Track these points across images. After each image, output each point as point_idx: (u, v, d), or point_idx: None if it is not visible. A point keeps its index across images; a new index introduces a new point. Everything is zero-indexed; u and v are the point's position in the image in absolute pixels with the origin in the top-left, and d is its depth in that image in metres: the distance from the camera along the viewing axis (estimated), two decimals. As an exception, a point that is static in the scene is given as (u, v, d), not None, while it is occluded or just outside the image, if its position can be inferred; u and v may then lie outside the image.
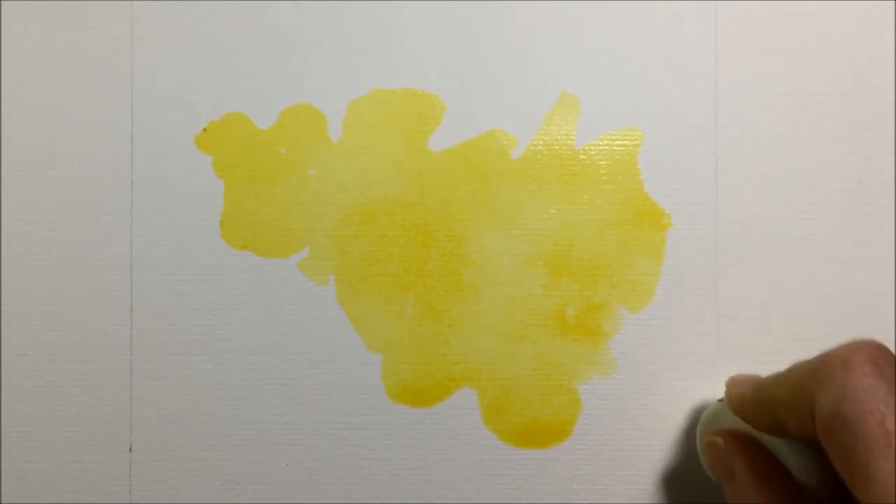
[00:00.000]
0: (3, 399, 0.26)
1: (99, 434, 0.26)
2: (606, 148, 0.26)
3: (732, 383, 0.23)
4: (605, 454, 0.26)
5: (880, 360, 0.18)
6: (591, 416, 0.26)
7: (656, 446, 0.26)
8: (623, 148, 0.26)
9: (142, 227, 0.26)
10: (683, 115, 0.26)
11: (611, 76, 0.26)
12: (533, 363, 0.26)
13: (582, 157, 0.26)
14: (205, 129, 0.26)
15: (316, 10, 0.26)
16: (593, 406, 0.26)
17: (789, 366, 0.20)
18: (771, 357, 0.26)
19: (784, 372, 0.21)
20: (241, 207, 0.26)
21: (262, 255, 0.26)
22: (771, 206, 0.26)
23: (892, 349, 0.19)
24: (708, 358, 0.26)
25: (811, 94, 0.26)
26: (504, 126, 0.26)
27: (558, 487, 0.26)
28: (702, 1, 0.26)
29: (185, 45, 0.26)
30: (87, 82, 0.26)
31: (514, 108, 0.26)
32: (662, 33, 0.26)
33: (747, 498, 0.21)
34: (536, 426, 0.26)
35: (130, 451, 0.26)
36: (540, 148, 0.26)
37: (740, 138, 0.26)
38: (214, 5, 0.26)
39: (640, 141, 0.26)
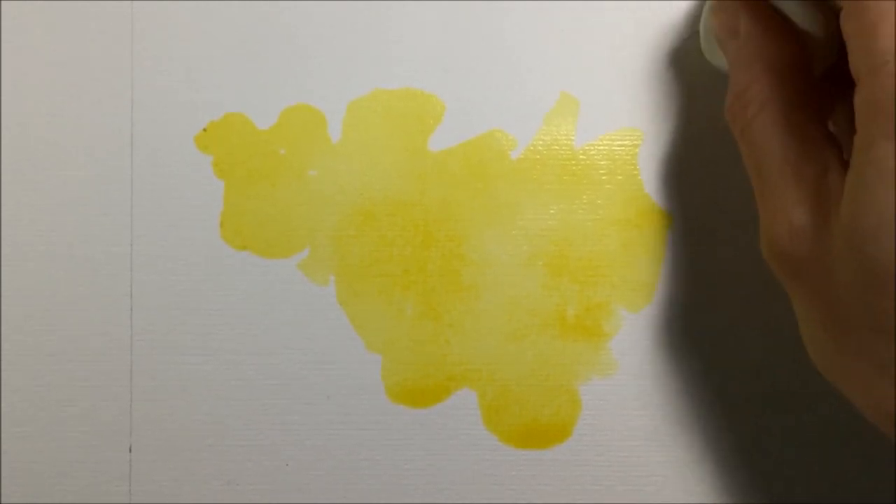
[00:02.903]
0: (3, 399, 0.26)
1: (99, 434, 0.26)
2: (606, 148, 0.26)
3: None
4: (605, 454, 0.26)
5: None
6: (591, 417, 0.26)
7: (656, 446, 0.26)
8: (623, 148, 0.26)
9: (142, 227, 0.26)
10: (683, 115, 0.26)
11: (611, 76, 0.26)
12: (533, 363, 0.26)
13: (582, 157, 0.26)
14: (205, 129, 0.26)
15: (316, 10, 0.26)
16: (593, 406, 0.26)
17: None
18: (771, 357, 0.26)
19: None
20: (241, 207, 0.26)
21: (262, 255, 0.26)
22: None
23: None
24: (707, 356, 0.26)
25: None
26: (504, 126, 0.26)
27: (558, 487, 0.26)
28: (701, 1, 0.26)
29: (185, 45, 0.26)
30: (87, 82, 0.26)
31: (514, 108, 0.26)
32: (662, 33, 0.26)
33: (750, 52, 0.20)
34: (536, 426, 0.26)
35: (130, 451, 0.26)
36: (540, 148, 0.26)
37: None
38: (214, 5, 0.26)
39: (640, 141, 0.26)
